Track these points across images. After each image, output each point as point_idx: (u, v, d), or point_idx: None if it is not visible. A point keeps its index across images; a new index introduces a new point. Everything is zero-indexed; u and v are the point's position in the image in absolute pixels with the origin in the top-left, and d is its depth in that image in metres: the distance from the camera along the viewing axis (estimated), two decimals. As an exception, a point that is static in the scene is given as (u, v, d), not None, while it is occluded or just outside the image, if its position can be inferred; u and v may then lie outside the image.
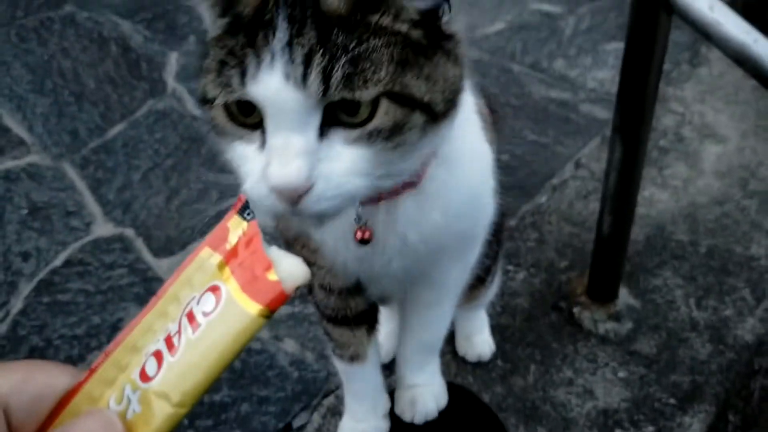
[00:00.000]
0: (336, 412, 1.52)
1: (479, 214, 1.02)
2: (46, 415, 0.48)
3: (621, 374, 1.59)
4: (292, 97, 0.67)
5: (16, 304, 1.81)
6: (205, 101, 0.75)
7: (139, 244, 1.95)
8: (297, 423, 1.55)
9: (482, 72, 2.42)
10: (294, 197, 0.69)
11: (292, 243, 1.04)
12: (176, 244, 1.95)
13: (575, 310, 1.70)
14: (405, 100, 0.70)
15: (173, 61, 2.54)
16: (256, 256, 0.50)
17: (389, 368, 1.36)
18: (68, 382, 0.49)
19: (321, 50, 0.67)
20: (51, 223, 2.01)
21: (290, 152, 0.68)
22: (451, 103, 0.75)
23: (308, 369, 1.63)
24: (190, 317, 0.49)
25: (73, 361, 1.68)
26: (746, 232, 1.89)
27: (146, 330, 0.50)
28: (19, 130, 2.29)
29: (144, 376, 0.48)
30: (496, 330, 1.65)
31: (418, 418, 1.20)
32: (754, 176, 2.04)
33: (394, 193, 0.86)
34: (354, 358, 1.17)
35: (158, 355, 0.48)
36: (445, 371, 1.49)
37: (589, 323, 1.68)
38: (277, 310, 0.50)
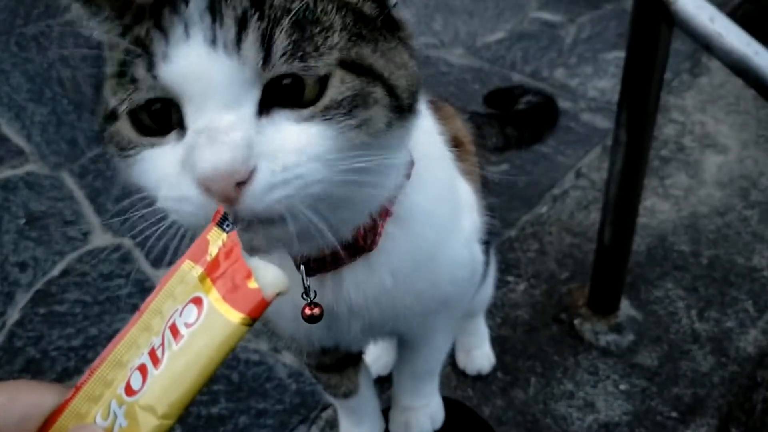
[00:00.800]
0: (334, 425, 1.50)
1: (445, 271, 0.88)
2: None
3: (622, 387, 1.58)
4: (220, 66, 0.55)
5: (13, 315, 1.80)
6: (107, 119, 0.62)
7: (138, 254, 1.94)
8: (295, 436, 1.54)
9: (482, 81, 2.41)
10: (230, 190, 0.54)
11: None
12: (175, 254, 1.93)
13: (576, 321, 1.69)
14: (363, 70, 0.60)
15: (172, 69, 2.53)
16: (237, 266, 0.51)
17: (389, 380, 1.34)
18: (55, 400, 0.49)
19: (257, 12, 0.56)
20: (49, 233, 2.00)
21: (220, 129, 0.55)
22: (414, 99, 0.66)
23: (306, 381, 1.61)
24: (173, 330, 0.49)
25: (70, 373, 1.67)
26: (748, 243, 1.87)
27: (131, 345, 0.50)
28: (17, 139, 2.29)
29: (129, 391, 0.48)
30: (496, 342, 1.64)
31: None
32: (756, 186, 2.03)
33: (346, 258, 0.75)
34: (347, 394, 1.14)
35: (143, 369, 0.49)
36: (445, 383, 1.48)
37: (590, 335, 1.67)
38: (260, 318, 0.50)
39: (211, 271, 0.51)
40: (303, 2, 0.58)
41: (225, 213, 0.53)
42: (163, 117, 0.59)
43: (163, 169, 0.59)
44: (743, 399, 1.59)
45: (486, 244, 1.00)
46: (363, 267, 0.78)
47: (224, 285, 0.50)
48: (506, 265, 1.81)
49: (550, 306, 1.75)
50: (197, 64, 0.55)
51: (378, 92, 0.60)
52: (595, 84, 2.47)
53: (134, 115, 0.60)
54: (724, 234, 1.91)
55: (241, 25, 0.56)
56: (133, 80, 0.58)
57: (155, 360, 0.48)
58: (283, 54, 0.56)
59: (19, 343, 1.74)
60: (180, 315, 0.50)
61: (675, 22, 1.11)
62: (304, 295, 0.75)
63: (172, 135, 0.59)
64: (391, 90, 0.62)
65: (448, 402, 1.23)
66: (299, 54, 0.56)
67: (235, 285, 0.50)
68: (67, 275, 1.89)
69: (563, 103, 2.38)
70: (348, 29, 0.60)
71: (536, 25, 2.76)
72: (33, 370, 1.68)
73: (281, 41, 0.56)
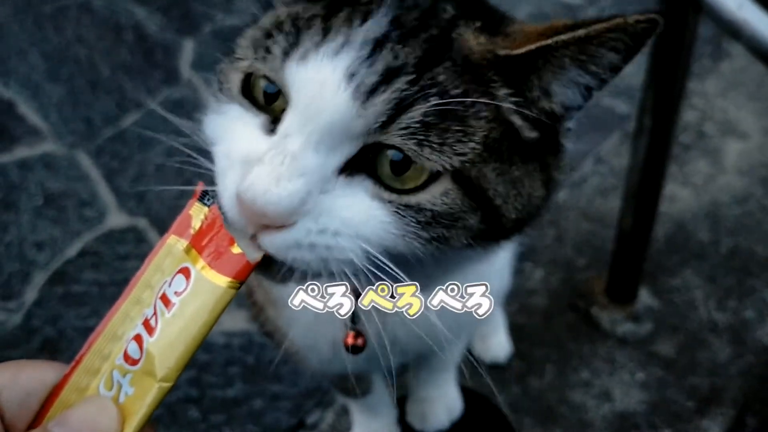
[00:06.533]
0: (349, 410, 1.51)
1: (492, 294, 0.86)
2: (37, 409, 0.51)
3: (639, 376, 1.57)
4: (338, 106, 0.50)
5: (30, 295, 1.81)
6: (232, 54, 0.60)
7: (153, 235, 1.94)
8: (310, 420, 1.54)
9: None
10: (259, 221, 0.51)
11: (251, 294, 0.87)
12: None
13: (593, 310, 1.68)
14: (472, 191, 0.53)
15: (189, 49, 2.52)
16: (219, 235, 0.53)
17: (405, 366, 1.34)
18: (56, 376, 0.52)
19: (413, 74, 0.51)
20: (65, 213, 2.00)
21: (292, 163, 0.50)
22: (515, 228, 0.58)
23: (322, 365, 1.62)
24: (164, 299, 0.52)
25: (87, 353, 1.68)
26: (768, 232, 1.86)
27: (124, 318, 0.52)
28: (34, 118, 2.28)
29: (130, 360, 0.51)
30: (512, 329, 1.63)
31: (429, 430, 1.17)
32: (777, 174, 2.01)
33: None
34: (362, 393, 1.13)
35: (138, 339, 0.51)
36: (460, 371, 1.48)
37: (607, 324, 1.65)
38: (246, 280, 0.53)
39: (196, 242, 0.53)
40: (463, 95, 0.52)
41: (205, 189, 0.55)
42: (274, 98, 0.55)
43: (237, 147, 0.55)
44: (760, 389, 1.58)
45: None
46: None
47: (209, 253, 0.53)
48: (523, 251, 1.80)
49: (567, 294, 1.73)
50: (320, 86, 0.51)
51: (472, 221, 0.54)
52: (615, 68, 2.43)
53: (246, 77, 0.57)
54: (744, 222, 1.88)
55: (387, 78, 0.50)
56: (265, 50, 0.54)
57: (149, 329, 0.51)
58: (406, 128, 0.50)
59: (37, 322, 1.75)
60: (169, 285, 0.52)
61: (702, 9, 1.09)
62: (349, 322, 0.68)
63: (265, 118, 0.55)
64: (490, 219, 0.55)
65: (463, 390, 1.22)
66: (421, 137, 0.51)
67: (220, 252, 0.52)
68: (84, 256, 1.90)
69: (582, 88, 2.35)
70: (487, 144, 0.53)
71: (557, 7, 2.72)
72: (50, 350, 1.69)
73: (413, 115, 0.50)
